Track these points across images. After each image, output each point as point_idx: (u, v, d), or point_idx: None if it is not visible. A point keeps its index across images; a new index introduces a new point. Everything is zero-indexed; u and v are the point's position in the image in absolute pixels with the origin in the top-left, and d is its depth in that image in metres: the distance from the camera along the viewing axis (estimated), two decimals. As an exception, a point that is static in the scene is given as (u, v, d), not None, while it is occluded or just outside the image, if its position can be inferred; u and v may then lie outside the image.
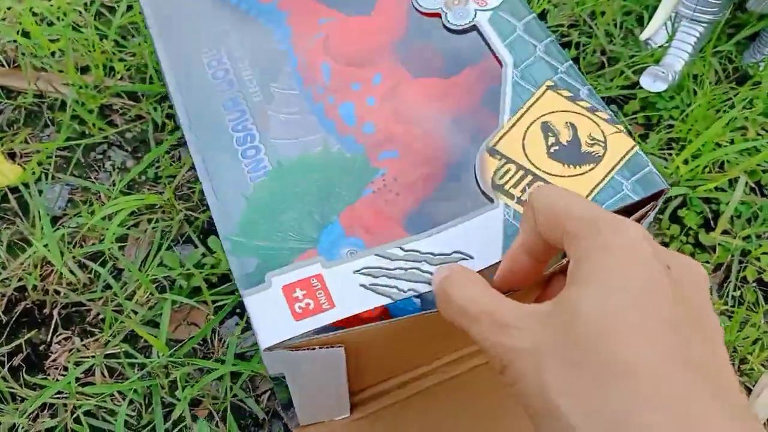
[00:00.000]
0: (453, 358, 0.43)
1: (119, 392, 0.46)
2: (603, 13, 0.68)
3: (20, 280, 0.51)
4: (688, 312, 0.23)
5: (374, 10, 0.41)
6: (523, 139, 0.35)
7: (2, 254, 0.52)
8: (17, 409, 0.45)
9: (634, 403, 0.20)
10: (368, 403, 0.41)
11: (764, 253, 0.53)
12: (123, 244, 0.51)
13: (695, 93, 0.61)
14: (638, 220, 0.34)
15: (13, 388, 0.46)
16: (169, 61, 0.39)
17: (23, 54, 0.62)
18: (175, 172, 0.55)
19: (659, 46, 0.64)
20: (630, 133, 0.37)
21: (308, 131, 0.36)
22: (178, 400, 0.45)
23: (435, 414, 0.42)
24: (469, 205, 0.34)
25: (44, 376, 0.47)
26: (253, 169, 0.35)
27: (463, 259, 0.32)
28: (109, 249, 0.51)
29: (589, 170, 0.34)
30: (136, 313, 0.49)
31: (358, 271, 0.31)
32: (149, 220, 0.53)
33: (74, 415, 0.45)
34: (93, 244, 0.52)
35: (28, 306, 0.50)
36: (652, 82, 0.60)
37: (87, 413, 0.45)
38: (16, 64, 0.63)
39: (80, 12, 0.64)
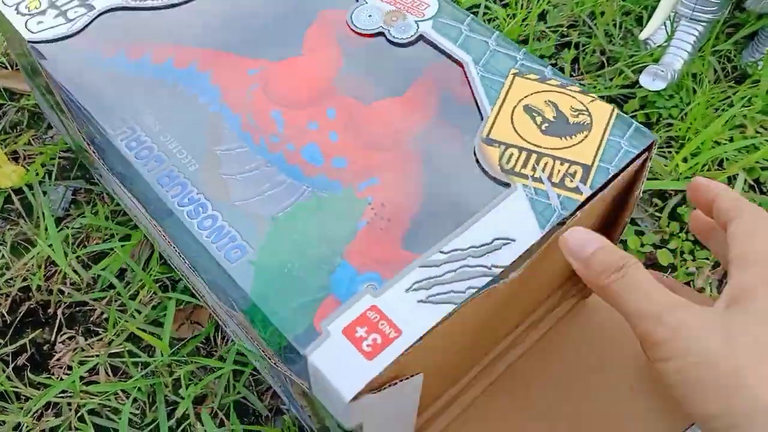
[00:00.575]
0: (486, 363, 0.43)
1: (123, 391, 0.46)
2: (602, 14, 0.68)
3: (24, 280, 0.51)
4: None
5: (304, 49, 0.41)
6: (513, 124, 0.37)
7: (6, 255, 0.52)
8: (22, 408, 0.45)
9: None
10: (428, 429, 0.40)
11: (764, 250, 0.53)
12: (126, 243, 0.52)
13: (694, 92, 0.61)
14: (638, 172, 0.37)
15: (17, 387, 0.46)
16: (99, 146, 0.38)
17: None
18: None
19: (658, 46, 0.65)
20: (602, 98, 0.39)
21: (274, 183, 0.35)
22: (182, 398, 0.45)
23: (495, 415, 0.42)
24: (480, 197, 0.34)
25: (48, 376, 0.47)
26: (216, 238, 0.33)
27: (506, 243, 0.32)
28: (112, 248, 0.51)
29: (585, 138, 0.36)
30: (139, 312, 0.49)
31: (410, 288, 0.31)
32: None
33: (78, 414, 0.45)
34: (97, 243, 0.52)
35: (32, 306, 0.50)
36: (651, 81, 0.60)
37: (91, 412, 0.45)
38: (18, 67, 0.63)
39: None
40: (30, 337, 0.49)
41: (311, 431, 0.41)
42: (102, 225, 0.53)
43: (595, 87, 0.63)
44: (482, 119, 0.37)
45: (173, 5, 0.43)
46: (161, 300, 0.49)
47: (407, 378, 0.29)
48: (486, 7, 0.69)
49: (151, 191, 0.35)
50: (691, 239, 0.54)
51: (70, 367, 0.47)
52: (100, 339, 0.48)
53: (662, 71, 0.61)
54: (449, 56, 0.40)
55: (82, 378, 0.47)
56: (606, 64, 0.65)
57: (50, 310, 0.50)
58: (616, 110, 0.37)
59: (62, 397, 0.46)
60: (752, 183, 0.57)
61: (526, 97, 0.38)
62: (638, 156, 0.36)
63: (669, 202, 0.56)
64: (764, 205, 0.55)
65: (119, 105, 0.38)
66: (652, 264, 0.53)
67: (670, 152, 0.59)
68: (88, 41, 0.41)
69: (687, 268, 0.52)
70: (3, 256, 0.52)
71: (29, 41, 0.41)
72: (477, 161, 0.35)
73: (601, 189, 0.35)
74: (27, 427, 0.45)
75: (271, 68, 0.40)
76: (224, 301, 0.34)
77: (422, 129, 0.37)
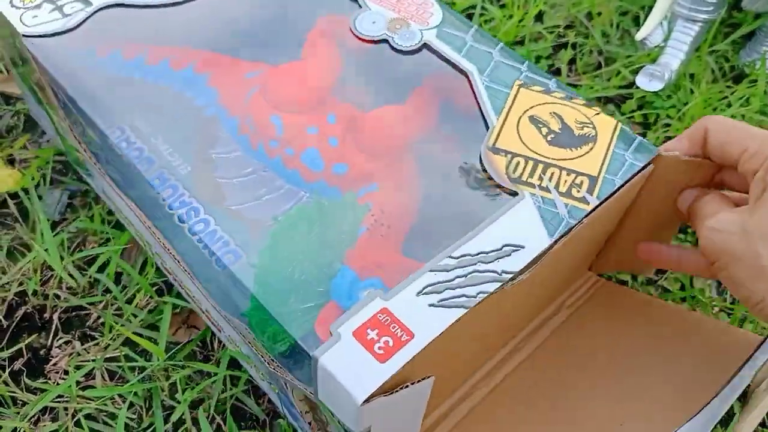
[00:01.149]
0: (490, 367, 0.43)
1: (119, 395, 0.46)
2: (599, 14, 0.68)
3: (20, 284, 0.51)
4: None
5: (304, 54, 0.40)
6: (518, 133, 0.37)
7: (2, 259, 0.52)
8: (18, 413, 0.45)
9: None
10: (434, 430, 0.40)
11: (762, 251, 0.53)
12: (123, 246, 0.51)
13: (692, 92, 0.61)
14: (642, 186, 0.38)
15: (14, 392, 0.46)
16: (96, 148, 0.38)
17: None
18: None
19: (655, 46, 0.64)
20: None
21: (271, 188, 0.35)
22: (179, 402, 0.45)
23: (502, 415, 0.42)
24: (485, 205, 0.34)
25: (45, 380, 0.47)
26: (208, 243, 0.33)
27: (516, 250, 0.32)
28: (108, 253, 0.51)
29: (590, 149, 0.37)
30: (136, 316, 0.49)
31: (421, 292, 0.31)
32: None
33: (75, 419, 0.45)
34: (93, 247, 0.52)
35: (28, 311, 0.50)
36: (648, 82, 0.60)
37: (88, 416, 0.45)
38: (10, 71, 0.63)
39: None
40: (26, 341, 0.49)
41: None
42: (98, 229, 0.53)
43: (592, 87, 0.63)
44: (488, 128, 0.37)
45: (172, 4, 0.43)
46: (158, 304, 0.49)
47: (419, 381, 0.29)
48: (483, 8, 0.69)
49: (152, 191, 0.35)
50: (690, 240, 0.53)
51: (66, 372, 0.47)
52: (97, 343, 0.48)
53: (659, 71, 0.60)
54: (454, 65, 0.40)
55: (78, 383, 0.46)
56: (603, 65, 0.65)
57: (46, 315, 0.50)
58: (620, 123, 0.38)
59: (59, 401, 0.46)
60: (750, 183, 0.57)
61: (531, 108, 0.38)
62: (643, 168, 0.36)
63: (667, 202, 0.56)
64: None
65: (111, 105, 0.38)
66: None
67: (667, 153, 0.58)
68: (85, 38, 0.41)
69: (685, 268, 0.52)
70: (-1, 260, 0.52)
71: (24, 35, 0.41)
72: (484, 169, 0.35)
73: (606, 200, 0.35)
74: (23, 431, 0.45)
75: (270, 72, 0.40)
76: (222, 305, 0.34)
77: (423, 136, 0.37)
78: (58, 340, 0.49)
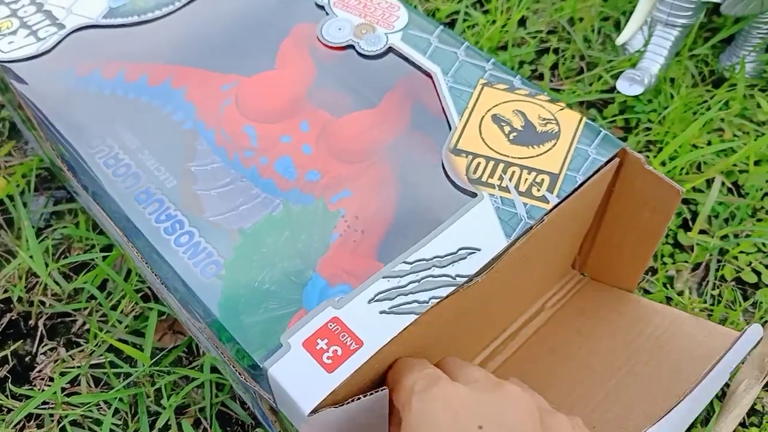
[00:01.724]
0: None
1: (105, 401, 0.46)
2: (581, 19, 0.69)
3: (5, 291, 0.51)
4: None
5: (277, 63, 0.41)
6: (480, 134, 0.37)
7: (-13, 266, 0.52)
8: (3, 419, 0.45)
9: None
10: None
11: (742, 252, 0.54)
12: (107, 254, 0.51)
13: (672, 96, 0.62)
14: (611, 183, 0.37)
15: (-2, 399, 0.46)
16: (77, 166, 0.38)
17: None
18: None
19: (636, 51, 0.65)
20: (570, 107, 0.39)
21: (247, 198, 0.35)
22: (164, 408, 0.45)
23: None
24: (448, 207, 0.34)
25: (30, 387, 0.47)
26: (192, 254, 0.33)
27: (471, 253, 0.32)
28: (93, 259, 0.51)
29: (553, 146, 0.36)
30: (121, 322, 0.49)
31: (372, 299, 0.31)
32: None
33: (60, 425, 0.45)
34: (78, 254, 0.52)
35: (13, 318, 0.50)
36: (628, 86, 0.61)
37: (73, 423, 0.45)
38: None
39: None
40: (11, 348, 0.49)
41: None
42: (83, 235, 0.53)
43: (574, 92, 0.63)
44: (450, 129, 0.37)
45: (143, 22, 0.43)
46: (143, 310, 0.49)
47: (371, 393, 0.29)
48: (466, 13, 0.70)
49: (120, 210, 0.35)
50: (670, 242, 0.54)
51: (51, 379, 0.47)
52: (82, 350, 0.48)
53: (639, 76, 0.61)
54: (418, 67, 0.40)
55: (63, 389, 0.47)
56: (585, 70, 0.66)
57: (31, 322, 0.50)
58: (585, 118, 0.37)
59: (44, 408, 0.46)
60: (730, 186, 0.57)
61: (494, 107, 0.38)
62: (606, 163, 0.36)
63: (648, 205, 0.56)
64: (742, 208, 0.55)
65: (95, 123, 0.38)
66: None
67: (648, 156, 0.59)
68: (59, 60, 0.41)
69: (667, 271, 0.52)
70: (-16, 267, 0.52)
71: (1, 61, 0.41)
72: (444, 171, 0.36)
73: (566, 197, 0.35)
74: (8, 439, 0.45)
75: (243, 83, 0.40)
76: (194, 317, 0.35)
77: (395, 140, 0.37)
78: (43, 347, 0.49)
